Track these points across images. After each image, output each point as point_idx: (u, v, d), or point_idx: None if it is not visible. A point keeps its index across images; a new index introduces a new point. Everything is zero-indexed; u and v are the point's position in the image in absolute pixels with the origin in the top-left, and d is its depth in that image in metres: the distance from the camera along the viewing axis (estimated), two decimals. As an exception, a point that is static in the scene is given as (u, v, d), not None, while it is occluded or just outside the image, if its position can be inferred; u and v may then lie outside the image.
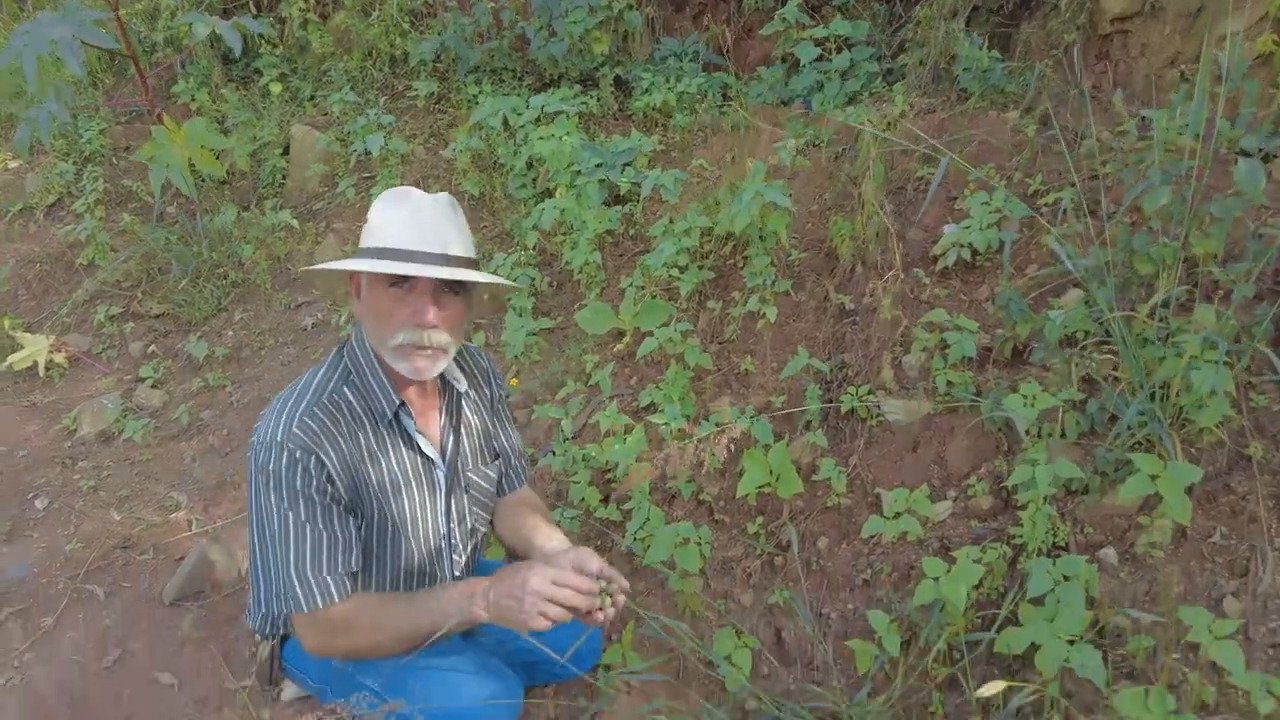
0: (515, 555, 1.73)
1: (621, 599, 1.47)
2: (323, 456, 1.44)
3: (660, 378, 2.73)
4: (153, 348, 3.99)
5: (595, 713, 1.96)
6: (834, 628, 2.03)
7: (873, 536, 2.19)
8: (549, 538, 1.64)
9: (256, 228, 4.18)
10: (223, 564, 2.64)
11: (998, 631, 1.75)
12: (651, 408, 2.66)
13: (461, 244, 1.50)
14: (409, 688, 1.50)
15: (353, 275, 1.56)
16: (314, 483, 1.43)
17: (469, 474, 1.70)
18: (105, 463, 3.35)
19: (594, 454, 2.53)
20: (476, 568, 1.86)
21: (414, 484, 1.58)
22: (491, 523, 1.83)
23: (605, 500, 2.55)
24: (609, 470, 2.57)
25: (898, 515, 2.05)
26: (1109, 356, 2.10)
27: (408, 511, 1.57)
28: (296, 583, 1.43)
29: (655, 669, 2.00)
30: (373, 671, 1.56)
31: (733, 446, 2.45)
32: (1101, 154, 2.55)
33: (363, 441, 1.51)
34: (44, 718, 2.21)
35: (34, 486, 3.20)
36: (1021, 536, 1.96)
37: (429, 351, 1.48)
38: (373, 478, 1.51)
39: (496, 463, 1.77)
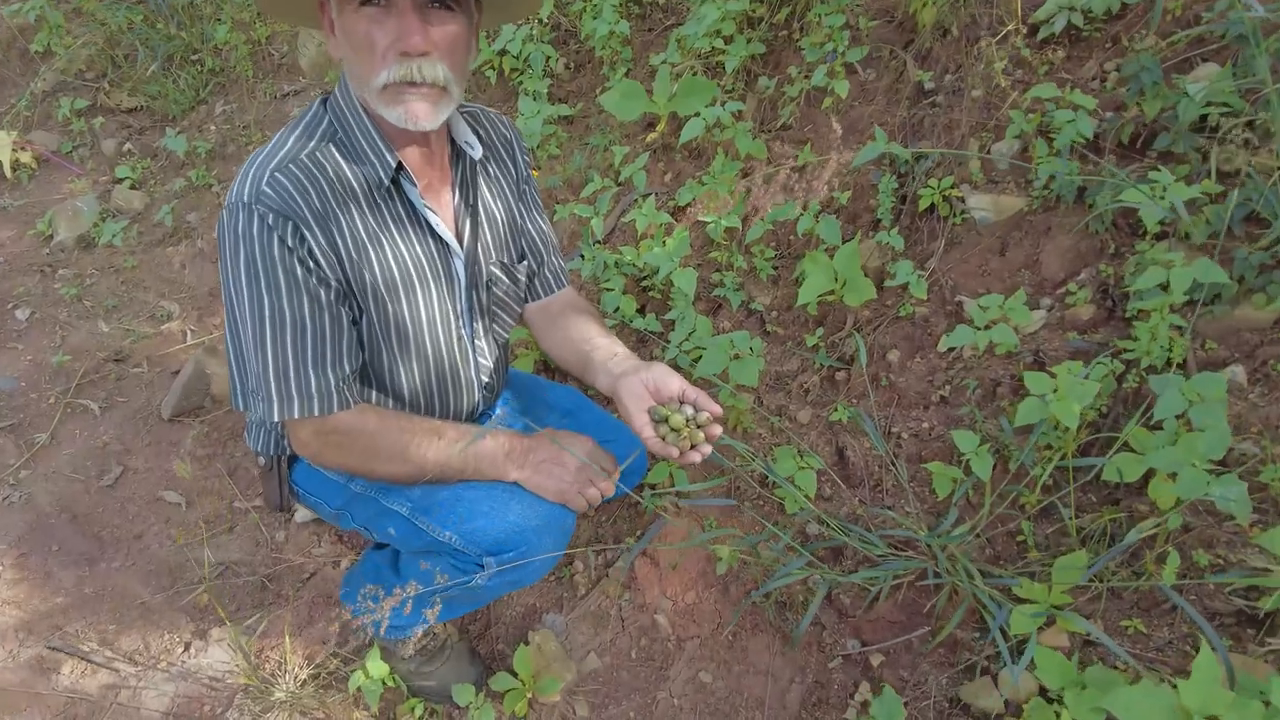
0: (569, 373, 1.48)
1: (716, 430, 1.23)
2: (303, 228, 1.15)
3: (703, 171, 2.39)
4: (128, 145, 3.61)
5: (639, 534, 1.80)
6: (906, 449, 1.83)
7: (952, 350, 1.94)
8: (609, 351, 1.39)
9: (230, 3, 3.66)
10: (221, 377, 2.43)
11: (1103, 456, 1.54)
12: (694, 206, 2.34)
13: None
14: (446, 512, 1.30)
15: (322, 2, 1.20)
16: (295, 256, 1.15)
17: (492, 268, 1.41)
18: (88, 270, 3.09)
19: (629, 258, 2.24)
20: (506, 382, 1.62)
21: (428, 276, 1.30)
22: (534, 335, 1.57)
23: (642, 310, 2.29)
24: (646, 276, 2.29)
25: (988, 326, 1.79)
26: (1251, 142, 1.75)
27: (422, 311, 1.30)
28: (281, 382, 1.18)
29: (707, 490, 1.82)
30: (400, 495, 1.35)
31: (790, 249, 2.15)
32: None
33: (357, 218, 1.21)
34: (47, 536, 2.07)
35: (12, 296, 2.96)
36: (1133, 351, 1.70)
37: (423, 89, 1.15)
38: (375, 266, 1.23)
39: (524, 263, 1.48)
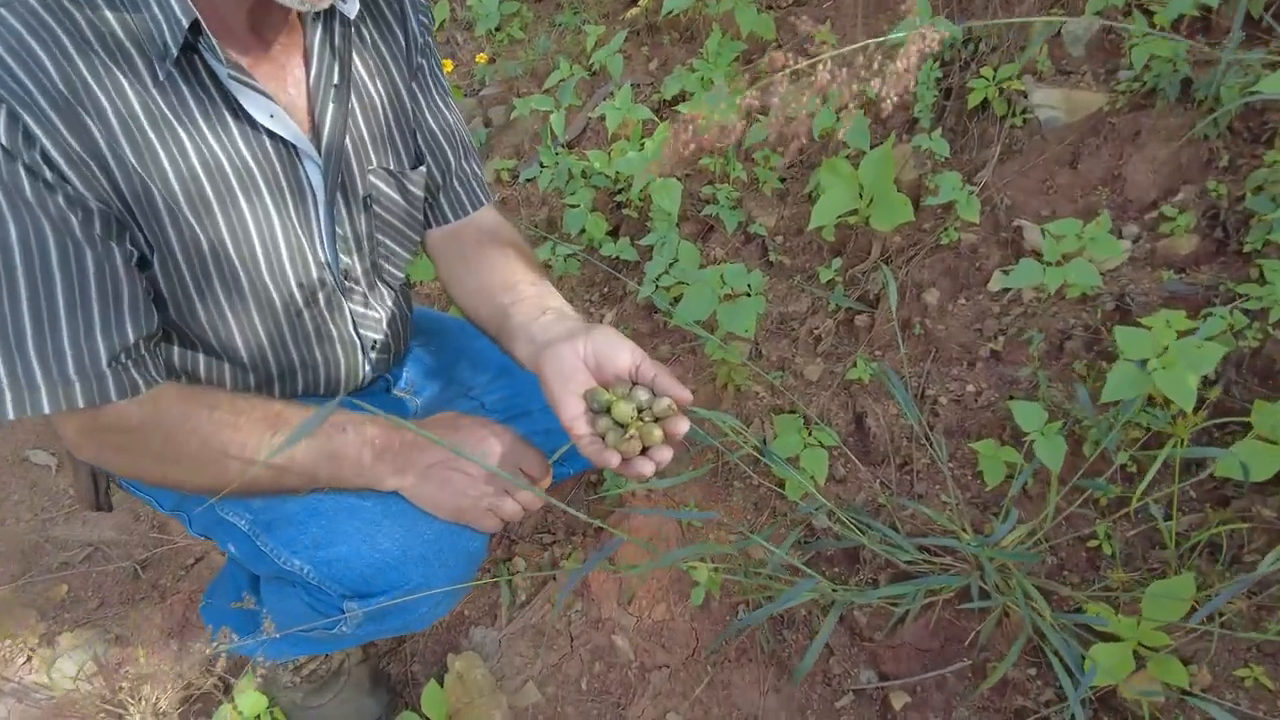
0: (483, 334, 1.07)
1: (682, 426, 0.84)
2: (27, 117, 0.73)
3: (694, 56, 1.91)
4: None
5: (597, 528, 1.42)
6: (944, 419, 1.43)
7: (1007, 290, 1.52)
8: (536, 306, 0.98)
9: None
10: None
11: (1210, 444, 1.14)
12: (681, 98, 1.88)
13: None
14: (295, 532, 0.92)
15: None
16: (18, 164, 0.74)
17: (371, 179, 0.99)
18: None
19: (598, 165, 1.80)
20: (409, 332, 1.21)
21: (259, 186, 0.88)
22: (440, 276, 1.15)
23: (614, 232, 1.86)
24: (620, 189, 1.86)
25: (1060, 261, 1.36)
26: None
27: (253, 237, 0.89)
28: (14, 361, 0.78)
29: (683, 470, 1.44)
30: (237, 503, 0.96)
31: (803, 156, 1.71)
32: None
33: (133, 98, 0.78)
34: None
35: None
36: (1257, 298, 1.29)
37: None
38: (166, 172, 0.81)
39: (421, 170, 1.05)
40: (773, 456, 1.24)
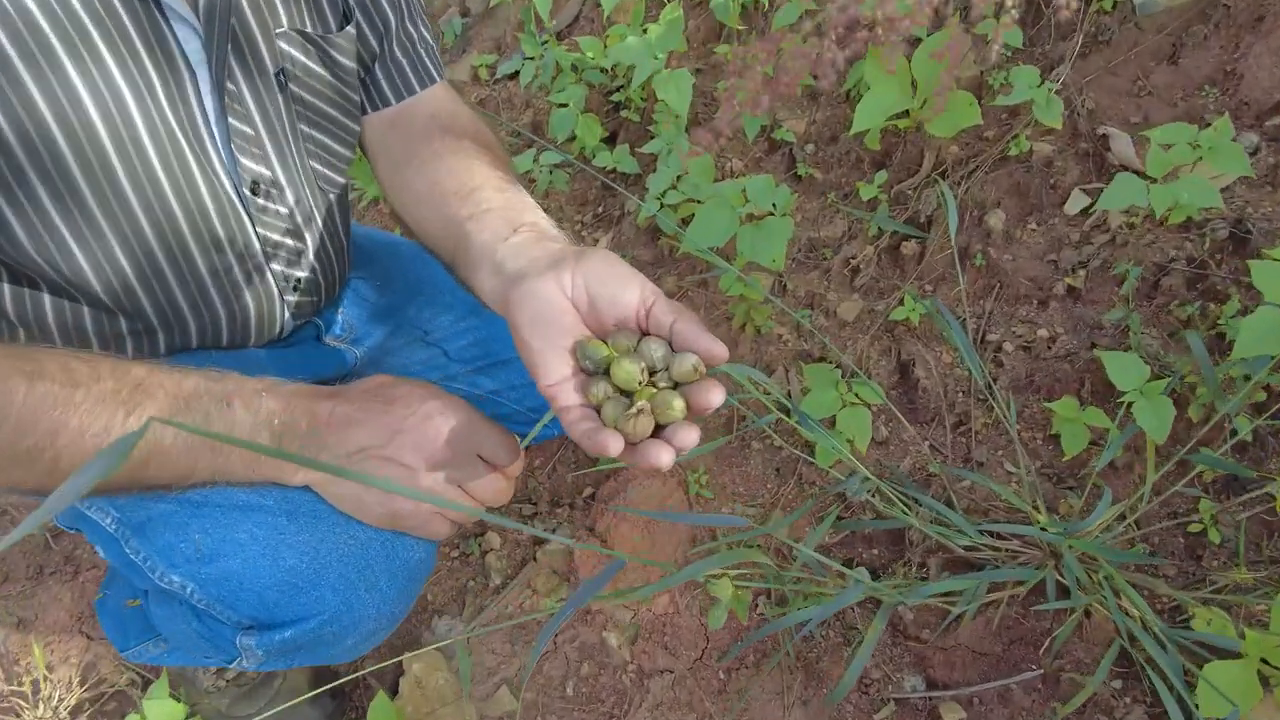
0: (437, 259, 0.81)
1: (714, 397, 0.58)
2: None
3: (710, -77, 1.59)
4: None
5: (588, 497, 1.20)
6: (1010, 370, 1.19)
7: (1089, 213, 1.26)
8: (507, 220, 0.71)
9: None
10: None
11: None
12: (694, -25, 1.57)
13: None
14: (171, 537, 0.68)
15: None
16: None
17: (281, 45, 0.72)
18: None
19: (592, 55, 1.50)
20: (348, 261, 0.95)
21: (82, 42, 0.61)
22: (377, 180, 0.89)
23: (611, 139, 1.58)
24: (618, 86, 1.57)
25: (1168, 176, 1.09)
26: None
27: (89, 114, 0.63)
28: None
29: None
30: (101, 498, 0.72)
31: (842, 45, 1.41)
32: None
33: None
34: None
35: None
36: None
37: None
38: None
39: (350, 30, 0.78)
40: (803, 418, 1.00)
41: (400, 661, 1.07)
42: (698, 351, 0.58)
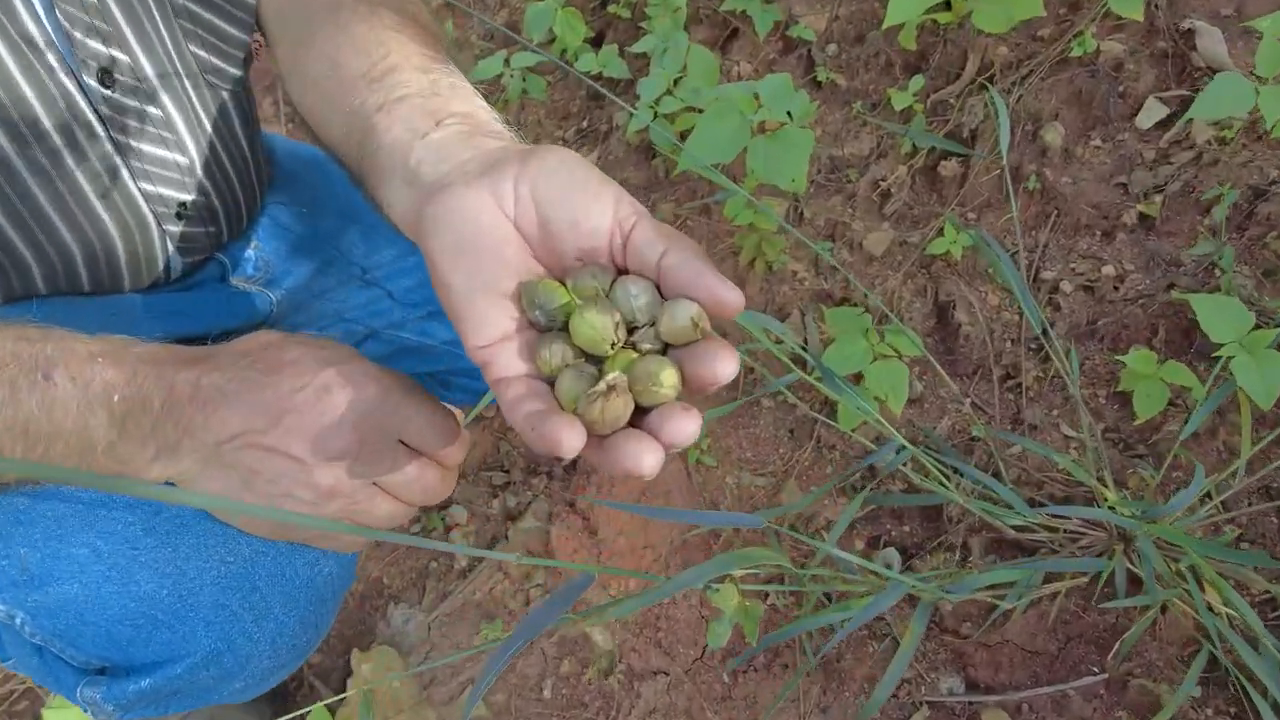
0: (346, 172, 0.61)
1: (726, 366, 0.39)
2: None
3: None
4: None
5: (568, 465, 1.03)
6: (1069, 313, 1.01)
7: (1164, 127, 1.06)
8: (428, 111, 0.51)
9: None
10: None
11: None
12: None
13: None
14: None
15: None
16: None
17: None
18: None
19: (575, -63, 1.28)
20: (263, 180, 0.76)
21: None
22: (275, 65, 0.68)
23: (598, 39, 1.37)
24: (606, -24, 1.34)
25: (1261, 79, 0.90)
26: None
27: None
28: None
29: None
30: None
31: (873, -81, 1.20)
32: None
33: None
34: None
35: None
36: None
37: None
38: None
39: None
40: (826, 375, 0.82)
41: (349, 660, 0.92)
42: (699, 298, 0.40)
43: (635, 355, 0.42)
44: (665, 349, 0.43)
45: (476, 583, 0.97)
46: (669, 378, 0.40)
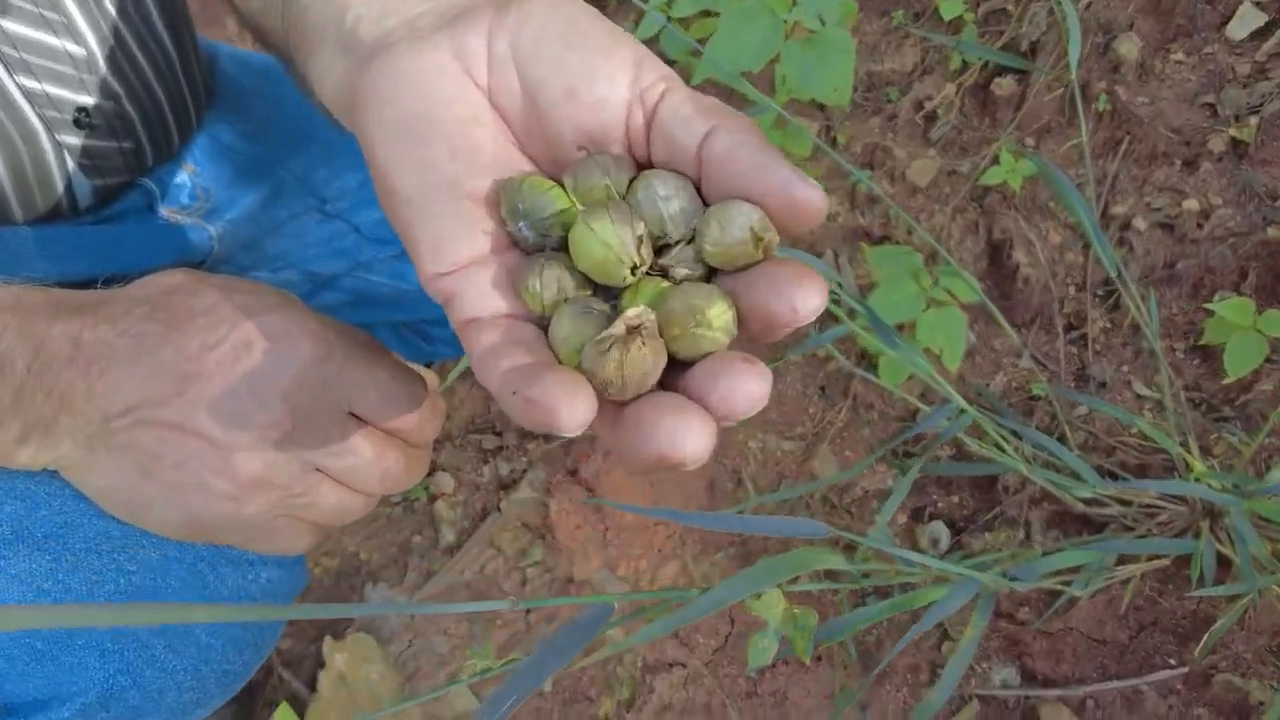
0: (279, 59, 0.48)
1: (804, 298, 0.26)
2: None
3: None
4: None
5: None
6: (1144, 254, 0.89)
7: (1267, 36, 0.92)
8: None
9: None
10: None
11: None
12: None
13: None
14: None
15: None
16: None
17: None
18: None
19: None
20: (200, 89, 0.63)
21: None
22: None
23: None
24: None
25: None
26: None
27: None
28: None
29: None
30: None
31: None
32: None
33: None
34: None
35: None
36: None
37: None
38: None
39: None
40: (876, 324, 0.70)
41: (320, 648, 0.82)
42: (762, 198, 0.28)
43: (666, 284, 0.30)
44: (710, 274, 0.31)
45: (465, 560, 0.86)
46: (720, 315, 0.28)
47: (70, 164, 0.53)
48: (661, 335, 0.29)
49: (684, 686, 0.78)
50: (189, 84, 0.62)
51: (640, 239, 0.30)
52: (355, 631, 0.82)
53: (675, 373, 0.29)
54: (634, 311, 0.27)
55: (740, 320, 0.29)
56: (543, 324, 0.31)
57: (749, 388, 0.26)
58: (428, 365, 0.91)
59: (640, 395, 0.28)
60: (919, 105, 1.02)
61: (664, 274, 0.31)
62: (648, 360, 0.28)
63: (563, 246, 0.31)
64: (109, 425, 0.36)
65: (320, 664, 0.81)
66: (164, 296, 0.39)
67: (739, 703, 0.77)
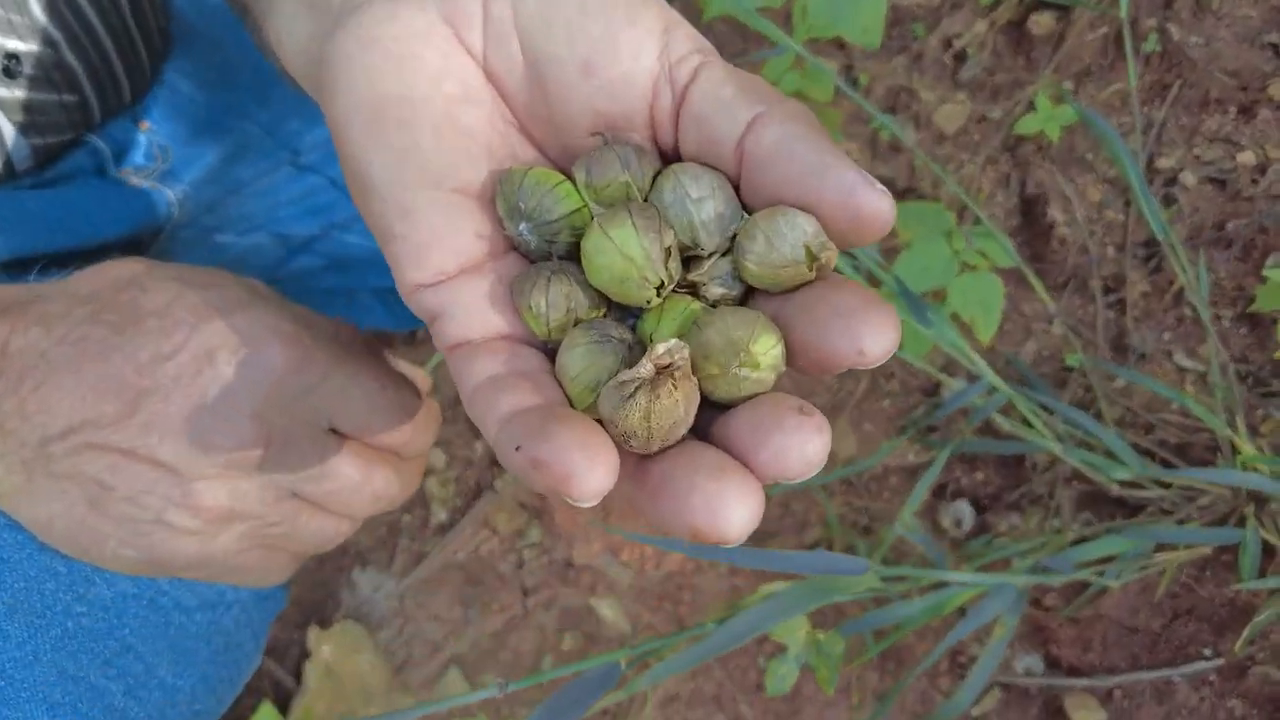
0: (240, 17, 0.43)
1: (873, 336, 0.22)
2: None
3: None
4: None
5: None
6: (1190, 212, 0.85)
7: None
8: None
9: None
10: None
11: None
12: None
13: None
14: None
15: None
16: None
17: None
18: None
19: None
20: (158, 34, 0.57)
21: None
22: None
23: None
24: None
25: None
26: None
27: None
28: None
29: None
30: None
31: None
32: None
33: None
34: None
35: None
36: None
37: None
38: None
39: None
40: (905, 294, 0.66)
41: (306, 637, 0.79)
42: (819, 204, 0.23)
43: (697, 304, 0.26)
44: (748, 292, 0.27)
45: (458, 541, 0.83)
46: (767, 351, 0.24)
47: (1, 119, 0.48)
48: (694, 372, 0.25)
49: (691, 678, 0.76)
50: (140, 28, 0.56)
51: (669, 251, 0.25)
52: (343, 619, 0.79)
53: (709, 411, 0.25)
54: (664, 348, 0.23)
55: (789, 353, 0.25)
56: (548, 349, 0.27)
57: (805, 448, 0.22)
58: (413, 334, 0.86)
59: (668, 447, 0.24)
60: (947, 43, 0.95)
61: (693, 291, 0.27)
62: (679, 408, 0.23)
63: (572, 255, 0.27)
64: (47, 450, 0.32)
65: (306, 653, 0.78)
66: (112, 293, 0.34)
67: (749, 695, 0.75)
